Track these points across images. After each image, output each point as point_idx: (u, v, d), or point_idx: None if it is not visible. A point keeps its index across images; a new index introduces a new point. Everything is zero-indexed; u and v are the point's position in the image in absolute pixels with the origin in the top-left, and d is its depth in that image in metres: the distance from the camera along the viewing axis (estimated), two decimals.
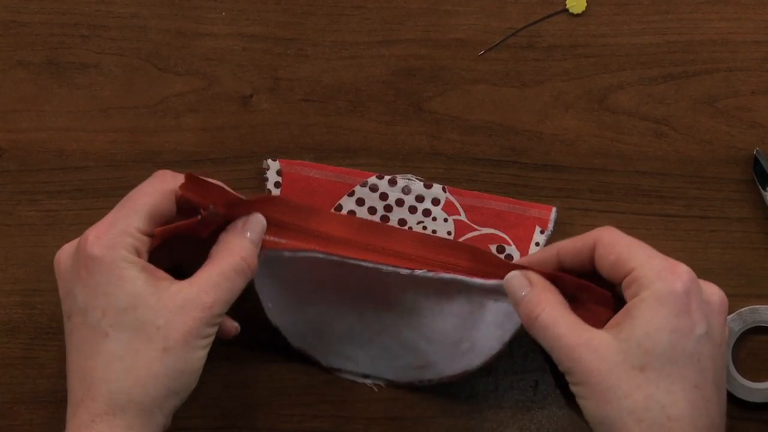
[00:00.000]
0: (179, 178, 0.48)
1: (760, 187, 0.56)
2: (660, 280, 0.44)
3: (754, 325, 0.57)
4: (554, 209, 0.56)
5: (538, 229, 0.56)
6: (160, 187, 0.47)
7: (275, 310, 0.54)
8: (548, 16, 0.59)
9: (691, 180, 0.57)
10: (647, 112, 0.58)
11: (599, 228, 0.49)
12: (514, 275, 0.50)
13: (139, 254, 0.46)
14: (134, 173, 0.57)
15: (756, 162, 0.57)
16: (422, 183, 0.57)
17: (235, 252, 0.47)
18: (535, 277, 0.49)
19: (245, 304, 0.53)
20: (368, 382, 0.56)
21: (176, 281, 0.46)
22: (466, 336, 0.54)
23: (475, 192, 0.57)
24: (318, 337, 0.55)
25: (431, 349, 0.55)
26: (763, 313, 0.56)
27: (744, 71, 0.58)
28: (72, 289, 0.45)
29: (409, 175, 0.57)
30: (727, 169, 0.57)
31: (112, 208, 0.48)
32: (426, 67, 0.58)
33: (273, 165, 0.56)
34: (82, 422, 0.44)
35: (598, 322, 0.46)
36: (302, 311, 0.55)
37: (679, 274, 0.45)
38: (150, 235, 0.46)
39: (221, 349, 0.56)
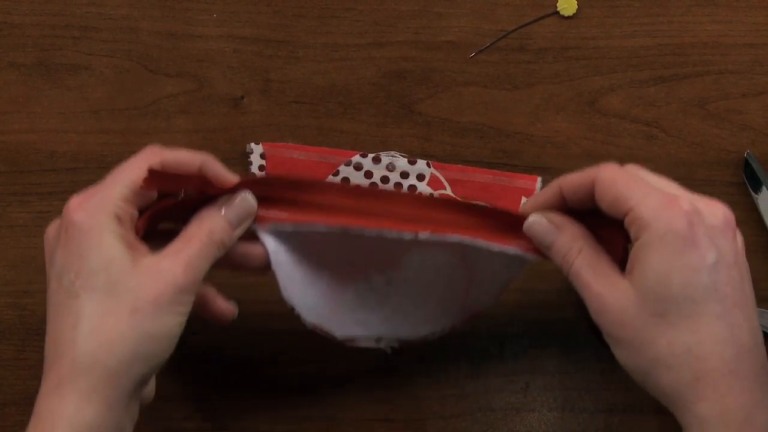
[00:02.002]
0: (168, 153, 0.47)
1: (750, 189, 0.56)
2: (657, 219, 0.43)
3: None
4: (539, 179, 0.56)
5: (524, 199, 0.56)
6: (147, 162, 0.47)
7: (289, 287, 0.54)
8: (539, 19, 0.59)
9: (682, 183, 0.56)
10: (638, 115, 0.58)
11: (600, 165, 0.46)
12: (534, 220, 0.48)
13: (121, 222, 0.45)
14: None
15: (747, 165, 0.57)
16: (406, 159, 0.56)
17: (204, 226, 0.47)
18: (558, 218, 0.48)
19: (242, 304, 0.53)
20: (382, 345, 0.56)
21: (150, 254, 0.46)
22: (475, 280, 0.54)
23: (460, 166, 0.57)
24: (329, 307, 0.55)
25: (443, 300, 0.55)
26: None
27: (735, 74, 0.58)
28: (53, 255, 0.45)
29: (392, 152, 0.57)
30: (718, 172, 0.57)
31: None
32: (417, 69, 0.58)
33: (256, 149, 0.57)
34: (49, 387, 0.43)
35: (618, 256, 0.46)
36: (312, 284, 0.54)
37: (677, 207, 0.43)
38: (134, 206, 0.46)
39: (211, 352, 0.56)
